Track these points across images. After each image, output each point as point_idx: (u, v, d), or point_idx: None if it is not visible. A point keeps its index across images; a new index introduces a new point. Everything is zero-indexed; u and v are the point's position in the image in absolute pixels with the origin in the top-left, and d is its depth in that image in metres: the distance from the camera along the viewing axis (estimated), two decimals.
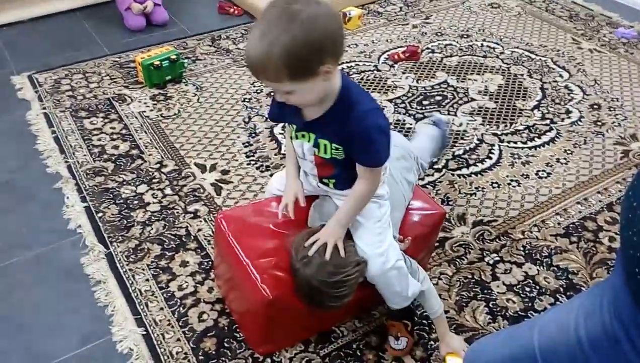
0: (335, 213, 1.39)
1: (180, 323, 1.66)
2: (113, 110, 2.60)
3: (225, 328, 1.65)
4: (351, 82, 1.25)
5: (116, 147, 2.37)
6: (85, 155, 2.33)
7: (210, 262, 1.85)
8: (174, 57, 2.74)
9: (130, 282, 1.79)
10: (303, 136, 1.31)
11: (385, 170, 1.42)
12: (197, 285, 1.78)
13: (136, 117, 2.56)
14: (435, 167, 2.28)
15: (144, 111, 2.60)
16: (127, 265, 1.85)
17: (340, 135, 1.23)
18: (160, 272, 1.82)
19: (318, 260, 1.33)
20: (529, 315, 1.72)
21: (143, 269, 1.83)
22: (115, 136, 2.44)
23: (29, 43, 3.17)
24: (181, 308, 1.71)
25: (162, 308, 1.71)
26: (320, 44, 1.06)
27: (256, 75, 1.13)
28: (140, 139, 2.42)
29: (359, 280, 1.40)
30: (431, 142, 2.12)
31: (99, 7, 3.57)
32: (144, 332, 1.64)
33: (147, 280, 1.80)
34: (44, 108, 2.61)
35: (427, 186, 2.18)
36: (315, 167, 1.38)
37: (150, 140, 2.41)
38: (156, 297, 1.75)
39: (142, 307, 1.72)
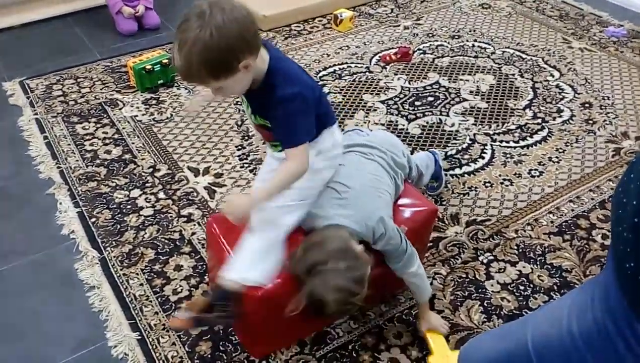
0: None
1: None
2: (105, 115, 2.60)
3: (221, 331, 1.65)
4: (280, 65, 1.33)
5: (109, 152, 2.36)
6: (77, 160, 2.32)
7: (204, 266, 1.84)
8: (165, 61, 2.73)
9: (125, 286, 1.79)
10: (244, 102, 1.43)
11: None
12: (192, 289, 1.78)
13: (128, 122, 2.55)
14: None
15: (136, 115, 2.59)
16: (121, 270, 1.84)
17: (263, 112, 1.37)
18: (155, 276, 1.82)
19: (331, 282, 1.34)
20: (524, 313, 1.72)
21: (137, 274, 1.83)
22: (107, 141, 2.43)
23: (20, 49, 3.16)
24: (176, 312, 1.70)
25: (156, 313, 1.70)
26: (231, 46, 1.18)
27: (187, 81, 1.27)
28: (132, 143, 2.42)
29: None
30: (428, 159, 2.05)
31: (90, 13, 3.56)
32: (139, 337, 1.64)
33: (142, 284, 1.79)
34: (36, 114, 2.60)
35: (427, 197, 2.18)
36: (257, 131, 1.48)
37: (143, 144, 2.41)
38: (151, 301, 1.74)
39: (136, 311, 1.71)
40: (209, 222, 1.58)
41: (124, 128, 2.51)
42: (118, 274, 1.83)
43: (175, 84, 2.81)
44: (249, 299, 1.43)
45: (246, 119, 2.56)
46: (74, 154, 2.35)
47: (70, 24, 3.44)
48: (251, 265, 1.40)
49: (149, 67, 2.68)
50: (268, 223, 1.43)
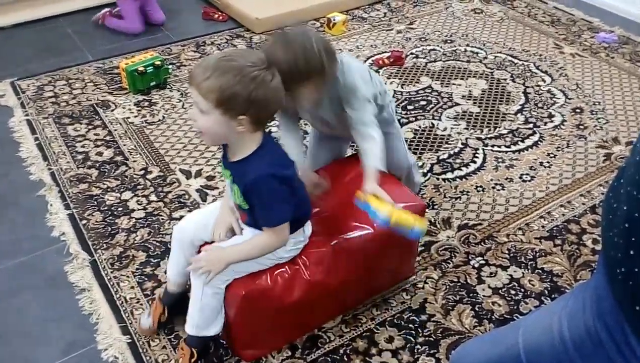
0: (228, 245, 1.44)
1: (165, 331, 1.65)
2: (97, 117, 2.58)
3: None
4: (271, 150, 1.36)
5: (100, 154, 2.35)
6: (68, 162, 2.30)
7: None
8: (158, 62, 2.73)
9: (115, 289, 1.78)
10: (226, 172, 1.40)
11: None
12: (188, 285, 1.77)
13: (120, 123, 2.54)
14: (421, 171, 2.29)
15: (128, 117, 2.58)
16: (111, 272, 1.83)
17: (243, 186, 1.33)
18: (146, 279, 1.81)
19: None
20: (515, 317, 1.73)
21: (128, 276, 1.82)
22: (99, 143, 2.42)
23: (11, 49, 3.14)
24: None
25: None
26: (252, 103, 1.22)
27: (190, 83, 1.25)
28: (124, 145, 2.41)
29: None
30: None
31: (83, 14, 3.54)
32: (129, 340, 1.63)
33: (132, 287, 1.78)
34: (27, 115, 2.59)
35: (415, 194, 2.19)
36: (236, 210, 1.48)
37: (135, 146, 2.40)
38: (141, 304, 1.73)
39: (127, 314, 1.70)
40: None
41: (115, 130, 2.50)
42: (109, 277, 1.82)
43: (168, 86, 2.80)
44: (232, 299, 1.44)
45: None
46: (65, 155, 2.34)
47: (63, 25, 3.42)
48: (209, 321, 1.49)
49: (141, 68, 2.67)
50: (220, 277, 1.43)
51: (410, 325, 1.69)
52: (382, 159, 1.51)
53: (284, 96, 1.30)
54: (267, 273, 1.47)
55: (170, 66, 2.93)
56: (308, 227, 1.53)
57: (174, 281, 1.63)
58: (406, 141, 2.46)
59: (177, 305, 1.64)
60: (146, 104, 2.68)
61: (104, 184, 2.19)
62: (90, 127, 2.52)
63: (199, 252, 1.53)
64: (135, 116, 2.59)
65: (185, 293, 1.66)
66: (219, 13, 3.54)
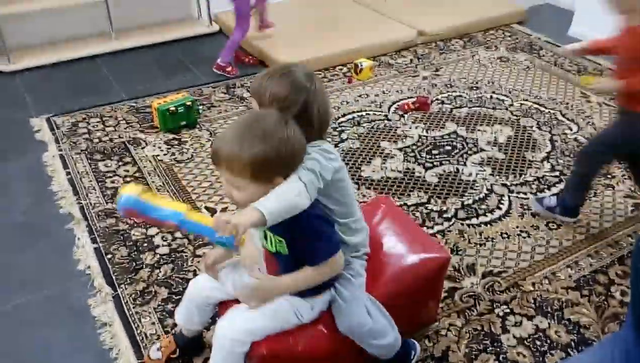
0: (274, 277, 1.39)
1: None
2: (127, 154, 2.65)
3: None
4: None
5: None
6: (98, 196, 2.36)
7: (216, 308, 1.83)
8: (189, 103, 2.80)
9: (136, 325, 1.79)
10: (265, 238, 1.37)
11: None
12: (203, 330, 1.76)
13: (150, 161, 2.60)
14: (445, 216, 2.28)
15: (158, 155, 2.64)
16: (133, 307, 1.85)
17: (283, 230, 1.29)
18: (167, 315, 1.82)
19: None
20: None
21: (149, 312, 1.83)
22: (128, 179, 2.47)
23: (49, 87, 3.27)
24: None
25: None
26: (282, 162, 1.23)
27: (217, 165, 1.25)
28: (152, 181, 2.46)
29: None
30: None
31: (118, 54, 3.69)
32: None
33: (153, 323, 1.79)
34: (60, 150, 2.67)
35: (437, 235, 2.18)
36: (264, 262, 1.42)
37: (163, 183, 2.45)
38: (161, 341, 1.73)
39: (146, 350, 1.70)
40: None
41: (145, 166, 2.56)
42: (130, 312, 1.83)
43: (198, 126, 2.87)
44: (253, 357, 1.40)
45: None
46: (95, 190, 2.40)
47: (99, 65, 3.56)
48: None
49: (172, 108, 2.75)
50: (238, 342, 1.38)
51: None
52: (279, 201, 1.23)
53: (305, 142, 1.29)
54: (286, 333, 1.41)
55: (200, 107, 3.01)
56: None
57: (185, 328, 1.63)
58: (430, 186, 2.46)
59: (190, 346, 1.65)
60: (176, 142, 2.74)
61: (131, 220, 2.23)
62: (120, 163, 2.58)
63: (219, 309, 1.53)
64: (165, 154, 2.65)
65: (200, 336, 1.67)
66: (249, 57, 3.64)
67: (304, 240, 1.31)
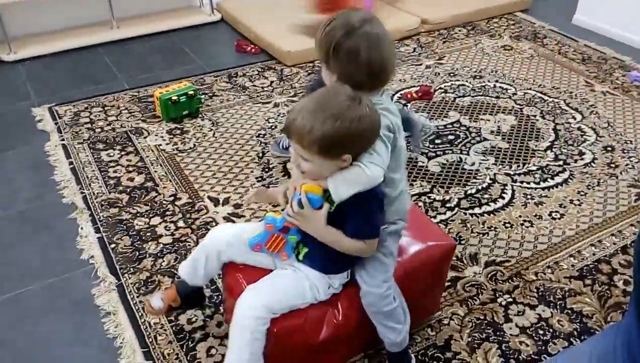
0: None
1: (188, 358, 1.65)
2: (130, 143, 2.65)
3: None
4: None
5: (131, 179, 2.40)
6: (101, 186, 2.36)
7: (220, 296, 1.84)
8: (191, 92, 2.79)
9: (140, 314, 1.79)
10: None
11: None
12: (207, 319, 1.77)
13: (152, 150, 2.60)
14: (448, 205, 2.28)
15: (160, 144, 2.64)
16: (137, 297, 1.85)
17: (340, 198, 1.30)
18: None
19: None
20: (542, 358, 1.68)
21: None
22: (131, 168, 2.47)
23: (50, 76, 3.26)
24: (190, 342, 1.70)
25: (170, 342, 1.70)
26: (352, 141, 1.25)
27: (289, 135, 1.28)
28: (155, 171, 2.46)
29: None
30: None
31: (120, 44, 3.67)
32: None
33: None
34: (63, 139, 2.67)
35: (439, 224, 2.17)
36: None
37: (165, 173, 2.45)
38: (165, 330, 1.74)
39: (150, 339, 1.71)
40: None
41: (147, 156, 2.55)
42: (134, 301, 1.84)
43: (200, 115, 2.86)
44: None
45: (267, 151, 2.59)
46: (98, 180, 2.40)
47: (101, 54, 3.54)
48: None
49: (174, 97, 2.74)
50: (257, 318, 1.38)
51: (435, 362, 1.66)
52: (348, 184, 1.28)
53: (379, 120, 1.29)
54: (297, 310, 1.44)
55: (202, 96, 3.00)
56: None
57: (187, 279, 1.62)
58: (433, 175, 2.46)
59: (191, 296, 1.67)
60: (178, 132, 2.74)
61: (134, 209, 2.23)
62: (123, 153, 2.58)
63: (224, 271, 1.56)
64: (167, 144, 2.65)
65: (202, 289, 1.71)
66: (252, 46, 3.62)
67: (355, 211, 1.32)
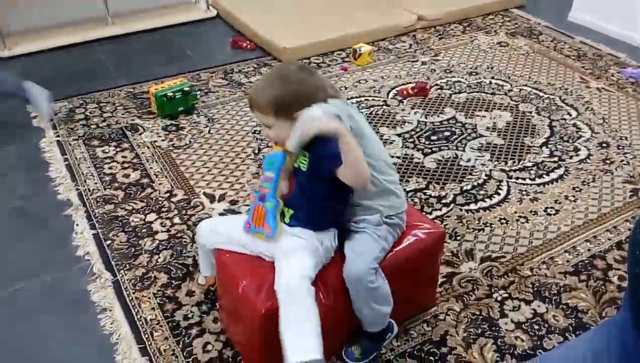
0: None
1: (184, 354, 1.65)
2: (125, 140, 2.64)
3: (230, 359, 1.64)
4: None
5: (127, 176, 2.40)
6: (96, 183, 2.35)
7: (215, 293, 1.84)
8: (187, 89, 2.79)
9: (136, 310, 1.79)
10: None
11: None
12: (203, 315, 1.77)
13: (148, 147, 2.59)
14: (443, 201, 2.28)
15: (156, 141, 2.63)
16: (133, 293, 1.85)
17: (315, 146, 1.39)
18: (166, 300, 1.82)
19: None
20: (538, 353, 1.69)
21: (149, 298, 1.83)
22: (126, 165, 2.47)
23: (46, 73, 3.25)
24: (186, 338, 1.70)
25: (166, 338, 1.70)
26: (299, 99, 1.38)
27: (251, 109, 1.45)
28: (150, 168, 2.45)
29: None
30: None
31: (115, 40, 3.66)
32: (148, 362, 1.63)
33: (153, 308, 1.80)
34: (58, 136, 2.66)
35: (435, 220, 2.18)
36: (284, 181, 1.49)
37: (161, 169, 2.44)
38: (161, 326, 1.74)
39: (146, 335, 1.71)
40: (219, 250, 1.59)
41: (143, 153, 2.55)
42: (130, 297, 1.84)
43: (196, 112, 2.86)
44: (251, 316, 1.43)
45: (263, 148, 2.59)
46: (93, 176, 2.39)
47: (96, 50, 3.53)
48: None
49: (170, 94, 2.73)
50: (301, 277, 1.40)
51: (431, 358, 1.66)
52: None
53: (328, 85, 1.46)
54: None
55: (198, 92, 3.00)
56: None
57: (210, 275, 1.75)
58: (429, 171, 2.46)
59: None
60: (174, 128, 2.73)
61: (130, 206, 2.22)
62: (118, 149, 2.57)
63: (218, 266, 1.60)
64: (163, 140, 2.64)
65: None
66: (248, 42, 3.62)
67: (318, 154, 1.39)
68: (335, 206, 1.51)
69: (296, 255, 1.43)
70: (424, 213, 2.20)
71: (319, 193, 1.45)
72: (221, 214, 2.19)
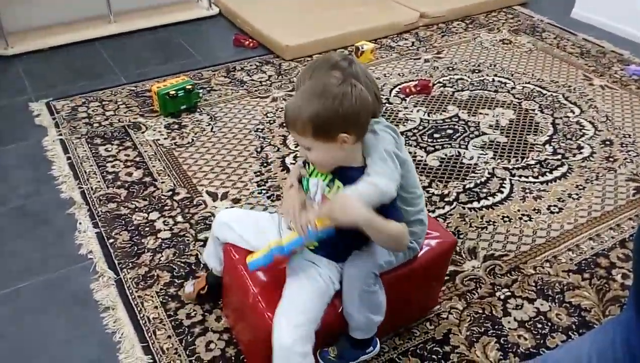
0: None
1: (187, 352, 1.65)
2: (128, 138, 2.64)
3: (232, 358, 1.64)
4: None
5: (130, 174, 2.40)
6: (99, 181, 2.35)
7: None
8: (189, 86, 2.78)
9: (139, 309, 1.79)
10: (322, 174, 1.36)
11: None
12: (206, 313, 1.77)
13: (150, 145, 2.59)
14: (446, 199, 2.28)
15: (158, 139, 2.63)
16: (136, 292, 1.85)
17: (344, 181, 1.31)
18: (169, 299, 1.82)
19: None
20: (541, 352, 1.69)
21: (152, 296, 1.83)
22: (129, 163, 2.47)
23: (48, 71, 3.25)
24: (189, 337, 1.70)
25: (169, 337, 1.70)
26: (342, 118, 1.22)
27: (288, 126, 1.29)
28: (153, 166, 2.45)
29: None
30: None
31: (117, 38, 3.66)
32: (151, 360, 1.63)
33: (156, 307, 1.80)
34: (60, 134, 2.66)
35: (438, 219, 2.17)
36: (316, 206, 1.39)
37: (164, 167, 2.44)
38: (164, 324, 1.74)
39: (149, 334, 1.71)
40: (226, 247, 1.59)
41: (145, 151, 2.55)
42: (133, 296, 1.84)
43: (198, 110, 2.86)
44: (259, 326, 1.42)
45: (266, 146, 2.59)
46: (96, 175, 2.39)
47: (98, 48, 3.53)
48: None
49: (172, 92, 2.73)
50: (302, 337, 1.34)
51: (434, 356, 1.66)
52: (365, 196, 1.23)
53: (371, 101, 1.29)
54: None
55: (201, 90, 2.99)
56: None
57: (214, 268, 1.72)
58: (432, 169, 2.46)
59: (219, 284, 1.72)
60: (176, 126, 2.73)
61: (132, 204, 2.23)
62: (121, 148, 2.57)
63: (226, 249, 1.58)
64: (165, 138, 2.64)
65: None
66: (250, 40, 3.61)
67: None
68: (364, 240, 1.39)
69: (302, 303, 1.36)
70: (428, 211, 2.19)
71: (352, 231, 1.26)
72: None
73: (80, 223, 2.14)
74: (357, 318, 1.43)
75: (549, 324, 1.78)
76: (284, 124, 1.31)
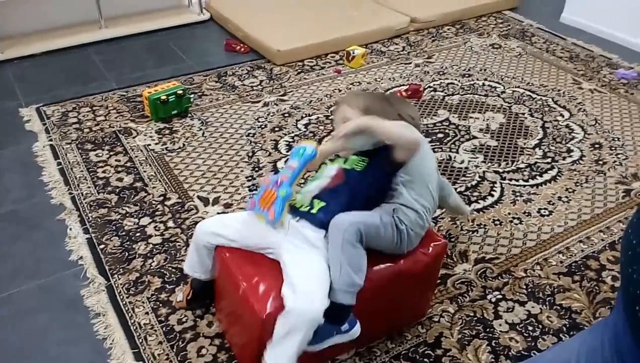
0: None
1: (179, 358, 1.65)
2: (119, 143, 2.63)
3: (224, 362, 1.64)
4: None
5: (120, 180, 2.39)
6: (89, 187, 2.34)
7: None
8: (180, 92, 2.78)
9: (130, 314, 1.78)
10: (345, 161, 1.62)
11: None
12: (197, 319, 1.77)
13: (141, 150, 2.58)
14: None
15: (149, 144, 2.63)
16: (127, 297, 1.84)
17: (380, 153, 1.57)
18: (160, 305, 1.82)
19: None
20: (532, 354, 1.69)
21: (143, 302, 1.83)
22: (119, 169, 2.46)
23: (38, 76, 3.23)
24: (180, 343, 1.69)
25: (160, 342, 1.69)
26: (387, 113, 1.60)
27: (340, 103, 1.70)
28: (144, 171, 2.44)
29: None
30: None
31: (108, 43, 3.65)
32: None
33: (147, 313, 1.79)
34: (51, 140, 2.65)
35: (436, 232, 2.18)
36: (329, 179, 1.58)
37: (155, 173, 2.44)
38: (155, 330, 1.73)
39: (140, 340, 1.70)
40: (218, 250, 1.59)
41: (136, 156, 2.54)
42: (124, 302, 1.83)
43: (189, 115, 2.85)
44: (252, 320, 1.42)
45: (257, 150, 2.59)
46: (86, 180, 2.38)
47: (89, 53, 3.52)
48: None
49: (163, 97, 2.73)
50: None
51: (425, 360, 1.67)
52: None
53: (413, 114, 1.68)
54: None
55: (192, 95, 2.99)
56: None
57: (196, 276, 1.73)
58: None
59: (203, 289, 1.76)
60: (167, 131, 2.73)
61: (123, 209, 2.22)
62: (111, 153, 2.56)
63: (215, 254, 1.61)
64: (156, 143, 2.64)
65: (211, 282, 1.74)
66: (241, 45, 3.61)
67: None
68: (369, 208, 1.54)
69: (313, 275, 1.40)
70: None
71: (362, 194, 1.53)
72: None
73: (70, 229, 2.13)
74: (334, 274, 1.40)
75: (540, 327, 1.79)
76: (335, 104, 1.58)
